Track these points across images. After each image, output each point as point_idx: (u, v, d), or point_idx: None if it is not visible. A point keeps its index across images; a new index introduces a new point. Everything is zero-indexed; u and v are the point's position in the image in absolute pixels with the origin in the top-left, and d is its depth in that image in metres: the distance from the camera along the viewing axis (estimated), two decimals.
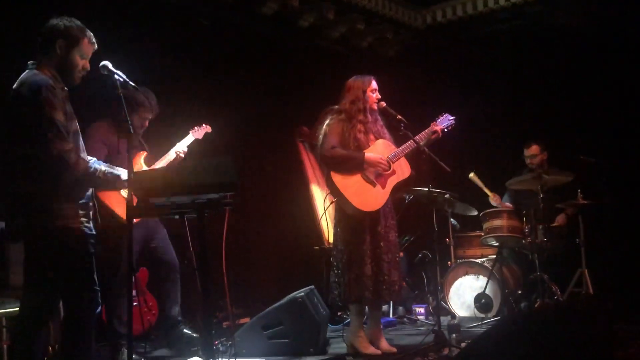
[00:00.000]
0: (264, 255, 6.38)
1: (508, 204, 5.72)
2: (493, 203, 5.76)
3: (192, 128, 4.71)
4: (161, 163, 4.43)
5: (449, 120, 4.52)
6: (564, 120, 6.47)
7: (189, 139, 4.64)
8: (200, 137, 4.74)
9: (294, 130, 6.30)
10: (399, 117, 4.29)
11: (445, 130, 4.48)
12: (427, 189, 4.54)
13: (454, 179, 5.15)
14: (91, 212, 3.02)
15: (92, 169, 2.95)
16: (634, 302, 5.14)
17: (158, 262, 4.52)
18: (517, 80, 6.73)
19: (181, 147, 4.51)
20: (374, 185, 4.18)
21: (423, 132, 4.35)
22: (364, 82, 4.29)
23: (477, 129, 6.69)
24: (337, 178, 4.14)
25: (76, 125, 3.00)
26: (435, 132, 4.35)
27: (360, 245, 4.12)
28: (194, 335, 4.55)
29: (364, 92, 4.26)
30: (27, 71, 2.94)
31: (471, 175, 5.87)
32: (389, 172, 4.21)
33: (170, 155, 4.46)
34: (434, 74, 7.35)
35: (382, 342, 4.28)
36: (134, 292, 4.61)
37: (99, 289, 3.02)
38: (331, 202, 4.53)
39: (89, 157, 3.06)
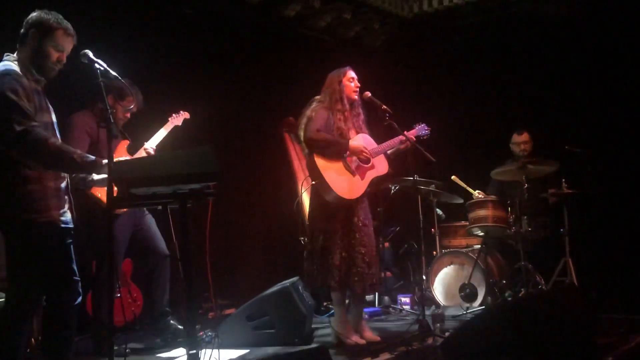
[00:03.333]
0: (249, 245, 6.37)
1: (492, 195, 5.72)
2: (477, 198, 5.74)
3: (170, 115, 4.70)
4: (139, 154, 4.41)
5: (425, 130, 4.60)
6: (550, 110, 6.49)
7: (168, 126, 4.64)
8: (179, 123, 4.74)
9: (279, 121, 6.28)
10: (384, 107, 4.29)
11: (422, 138, 4.56)
12: (412, 179, 4.55)
13: (440, 169, 5.16)
14: (67, 205, 2.99)
15: (66, 148, 2.87)
16: (617, 291, 5.19)
17: (147, 251, 4.49)
18: (503, 69, 6.73)
19: (152, 143, 4.49)
20: (353, 174, 4.19)
21: (392, 140, 4.36)
22: (339, 73, 4.30)
23: (462, 118, 6.69)
24: (319, 161, 4.14)
25: (49, 117, 2.96)
26: (404, 142, 4.36)
27: (333, 235, 4.12)
28: (180, 326, 4.54)
29: (340, 82, 4.26)
30: None
31: (453, 177, 5.87)
32: (368, 165, 4.22)
33: (142, 153, 4.43)
34: (421, 63, 7.34)
35: (366, 331, 4.30)
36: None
37: (78, 278, 3.00)
38: (306, 189, 4.52)
39: None
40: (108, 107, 2.92)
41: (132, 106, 4.31)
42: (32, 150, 2.79)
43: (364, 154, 4.19)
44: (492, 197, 5.57)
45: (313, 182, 4.19)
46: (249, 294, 4.61)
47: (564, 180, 5.33)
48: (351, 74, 4.31)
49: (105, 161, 2.83)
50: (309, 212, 4.37)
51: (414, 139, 4.42)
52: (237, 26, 6.23)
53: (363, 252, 4.14)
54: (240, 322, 4.30)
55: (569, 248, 5.30)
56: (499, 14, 6.78)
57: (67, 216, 2.97)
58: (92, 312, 4.25)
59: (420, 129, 4.59)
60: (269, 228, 6.42)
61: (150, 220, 4.51)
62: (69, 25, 2.99)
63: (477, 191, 5.77)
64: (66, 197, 2.99)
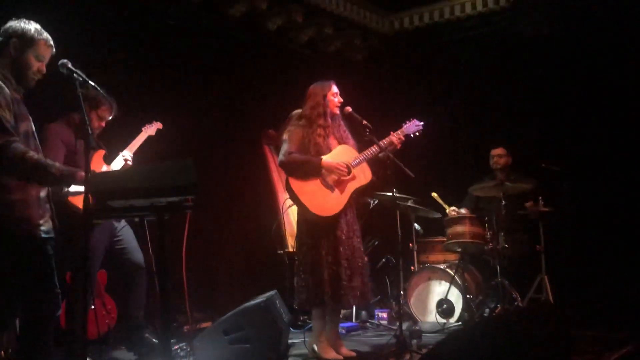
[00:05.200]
0: (227, 258, 6.33)
1: (465, 209, 5.76)
2: (451, 216, 5.77)
3: (144, 125, 4.70)
4: (116, 165, 4.38)
5: (417, 126, 4.52)
6: (528, 127, 6.57)
7: (142, 136, 4.62)
8: (153, 133, 4.73)
9: (260, 133, 6.27)
10: (364, 122, 4.30)
11: (412, 136, 4.50)
12: (391, 193, 4.56)
13: (418, 184, 5.18)
14: (47, 214, 2.95)
15: (44, 162, 2.83)
16: (593, 309, 5.23)
17: (123, 262, 4.43)
18: (482, 87, 6.82)
19: (127, 153, 4.46)
20: (332, 190, 4.19)
21: (382, 141, 4.35)
22: (323, 87, 4.31)
23: (441, 134, 6.74)
24: (294, 183, 4.14)
25: (28, 126, 2.93)
26: (392, 143, 4.35)
27: (320, 251, 4.12)
28: (154, 340, 4.48)
29: (324, 96, 4.27)
30: None
31: (433, 194, 5.91)
32: (348, 177, 4.22)
33: (120, 161, 4.41)
34: (401, 79, 7.41)
35: (342, 347, 4.29)
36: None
37: (59, 291, 2.96)
38: (289, 206, 4.49)
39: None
40: (87, 119, 2.90)
41: (107, 115, 4.27)
42: (10, 164, 2.76)
43: (339, 170, 4.17)
44: (469, 214, 5.61)
45: (291, 205, 4.20)
46: (226, 308, 4.57)
47: (540, 197, 5.38)
48: (335, 88, 4.32)
49: (83, 173, 2.80)
50: (297, 229, 4.35)
51: (399, 144, 4.37)
52: (219, 38, 6.23)
53: (345, 265, 4.14)
54: (216, 336, 4.25)
55: (545, 265, 5.35)
56: (478, 32, 6.88)
57: (48, 225, 2.94)
58: (66, 324, 4.18)
59: (410, 126, 4.50)
60: (247, 241, 6.39)
61: (128, 231, 4.46)
62: (49, 36, 2.99)
63: (451, 207, 5.80)
64: (47, 205, 2.96)
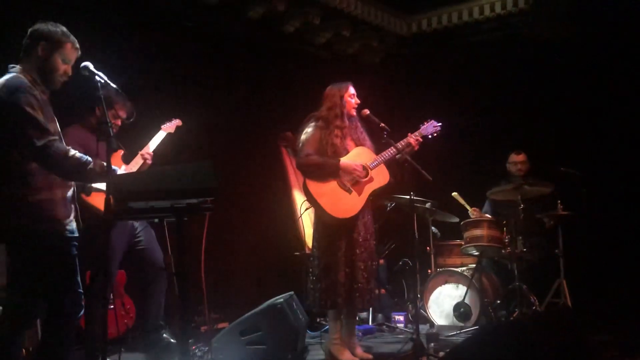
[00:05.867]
0: (244, 260, 6.35)
1: (488, 215, 5.74)
2: (473, 217, 5.76)
3: (163, 124, 4.72)
4: (134, 164, 4.41)
5: (435, 127, 4.48)
6: (546, 131, 6.53)
7: (160, 135, 4.65)
8: (172, 131, 4.74)
9: (277, 135, 6.28)
10: (382, 124, 4.29)
11: (430, 137, 4.47)
12: (408, 196, 4.54)
13: (436, 187, 5.16)
14: (72, 214, 2.99)
15: (86, 160, 2.89)
16: (611, 314, 5.19)
17: (143, 262, 4.45)
18: (499, 90, 6.78)
19: (146, 149, 4.49)
20: (349, 192, 4.18)
21: (399, 143, 4.33)
22: (340, 88, 4.30)
23: (458, 137, 6.71)
24: (311, 185, 4.14)
25: (55, 127, 2.98)
26: (409, 144, 4.33)
27: (335, 252, 4.11)
28: (172, 340, 4.50)
29: (341, 97, 4.27)
30: (6, 74, 2.92)
31: (454, 194, 5.88)
32: (366, 179, 4.21)
33: (139, 160, 4.43)
34: (418, 81, 7.38)
35: (357, 349, 4.29)
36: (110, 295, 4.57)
37: (82, 291, 2.99)
38: (307, 208, 4.48)
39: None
40: (108, 121, 2.93)
41: (123, 114, 4.30)
42: (55, 163, 2.83)
43: (356, 172, 4.17)
44: (488, 217, 5.58)
45: (309, 207, 4.19)
46: (242, 308, 4.59)
47: (559, 201, 5.34)
48: (352, 90, 4.32)
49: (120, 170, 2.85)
50: (313, 230, 4.36)
51: (417, 145, 4.33)
52: (237, 40, 6.26)
53: (362, 267, 4.13)
54: (233, 337, 4.27)
55: (563, 269, 5.31)
56: (496, 35, 6.84)
57: (73, 225, 2.98)
58: (85, 324, 4.22)
59: (428, 127, 4.45)
60: (264, 242, 6.40)
61: (148, 232, 4.48)
62: (75, 39, 3.04)
63: (472, 208, 5.78)
64: (72, 205, 3.00)
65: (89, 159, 2.90)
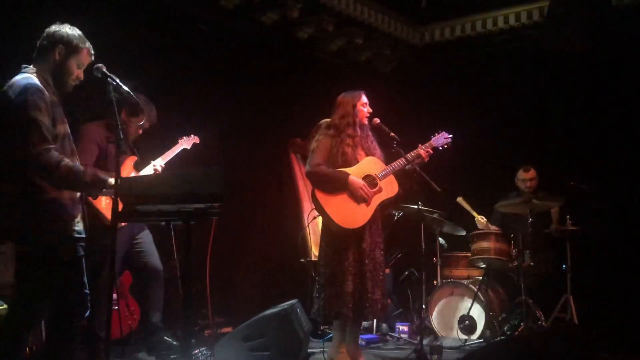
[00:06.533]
0: (250, 265, 6.34)
1: (494, 226, 5.70)
2: (480, 226, 5.74)
3: (181, 137, 4.76)
4: (145, 173, 4.43)
5: (446, 138, 4.45)
6: (557, 144, 6.50)
7: (177, 148, 4.70)
8: (189, 147, 4.81)
9: (287, 142, 6.29)
10: (392, 134, 4.29)
11: (441, 148, 4.45)
12: (416, 206, 4.53)
13: (444, 199, 5.15)
14: (79, 215, 3.00)
15: (76, 169, 2.88)
16: (618, 330, 5.14)
17: (141, 266, 4.49)
18: (511, 102, 6.76)
19: (159, 162, 4.52)
20: (358, 202, 4.16)
21: (409, 154, 4.31)
22: (353, 96, 4.29)
23: (468, 148, 6.70)
24: (320, 195, 4.13)
25: (65, 129, 2.98)
26: (419, 156, 4.31)
27: (343, 262, 4.09)
28: (174, 342, 4.51)
29: (354, 106, 4.25)
30: (19, 74, 2.94)
31: (459, 199, 5.86)
32: (375, 189, 4.19)
33: (149, 170, 4.45)
34: (430, 91, 7.37)
35: (362, 359, 4.26)
36: (114, 296, 4.58)
37: (88, 292, 3.00)
38: (314, 217, 4.46)
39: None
40: (119, 123, 2.94)
41: (146, 122, 4.33)
42: (44, 172, 2.81)
43: (360, 192, 4.11)
44: (496, 230, 5.56)
45: (317, 215, 4.18)
46: (246, 313, 4.59)
47: (568, 216, 5.31)
48: (364, 99, 4.30)
49: (113, 181, 2.85)
50: (320, 239, 4.34)
51: (427, 157, 4.31)
52: (250, 45, 6.27)
53: (369, 277, 4.11)
54: (236, 342, 4.27)
55: (570, 284, 5.28)
56: (510, 46, 6.83)
57: (80, 226, 2.98)
58: (87, 323, 4.23)
59: (439, 139, 4.43)
60: (270, 248, 6.40)
61: (146, 235, 4.52)
62: (90, 45, 3.06)
63: (480, 216, 5.75)
64: (80, 206, 3.01)
65: (81, 169, 2.89)
